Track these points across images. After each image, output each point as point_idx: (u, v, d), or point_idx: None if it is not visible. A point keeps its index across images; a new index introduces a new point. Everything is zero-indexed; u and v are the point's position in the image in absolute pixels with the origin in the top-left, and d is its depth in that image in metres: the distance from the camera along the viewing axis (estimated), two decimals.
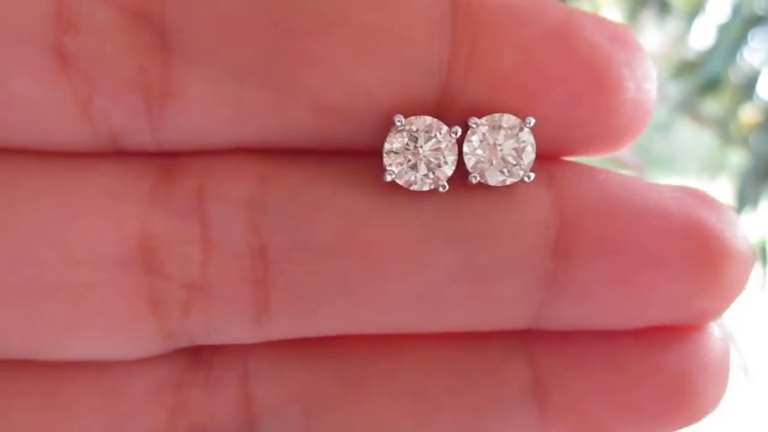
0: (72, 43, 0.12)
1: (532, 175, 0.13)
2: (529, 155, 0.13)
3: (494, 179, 0.13)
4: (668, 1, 1.31)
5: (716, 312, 0.14)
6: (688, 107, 1.39)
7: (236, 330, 0.13)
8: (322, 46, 0.12)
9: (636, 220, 0.13)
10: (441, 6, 0.13)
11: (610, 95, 0.13)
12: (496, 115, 0.13)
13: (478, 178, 0.13)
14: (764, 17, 1.15)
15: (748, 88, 1.28)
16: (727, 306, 0.14)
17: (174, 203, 0.13)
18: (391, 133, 0.13)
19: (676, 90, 1.45)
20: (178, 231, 0.13)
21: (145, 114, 0.12)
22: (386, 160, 0.13)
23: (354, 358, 0.14)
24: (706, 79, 1.21)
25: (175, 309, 0.13)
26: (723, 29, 1.20)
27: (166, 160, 0.13)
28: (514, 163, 0.13)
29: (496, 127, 0.13)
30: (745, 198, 1.24)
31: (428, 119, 0.13)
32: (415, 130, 0.13)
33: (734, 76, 1.28)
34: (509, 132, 0.13)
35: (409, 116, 0.13)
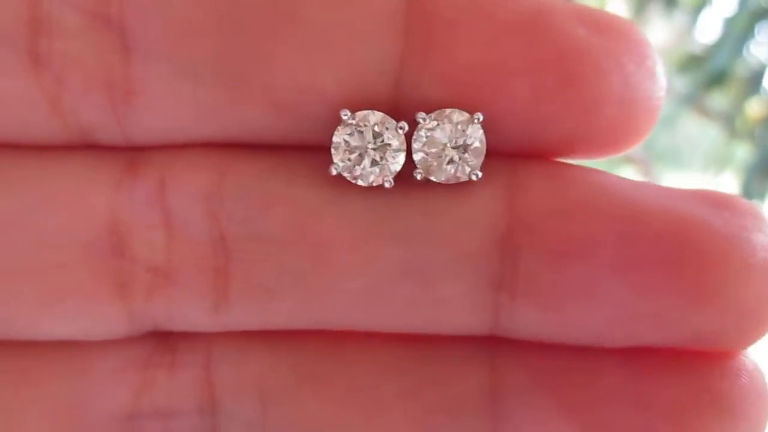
0: (44, 45, 0.12)
1: (479, 174, 0.13)
2: (477, 153, 0.13)
3: (440, 176, 0.13)
4: None
5: (733, 337, 0.12)
6: (694, 101, 1.38)
7: (196, 316, 0.14)
8: (274, 43, 0.12)
9: (601, 222, 0.12)
10: (394, 3, 0.12)
11: (584, 90, 0.12)
12: (445, 111, 0.13)
13: (424, 174, 0.13)
14: None
15: (754, 81, 1.27)
16: (747, 329, 0.12)
17: (138, 192, 0.13)
18: (338, 128, 0.13)
19: (682, 84, 1.45)
20: (143, 218, 0.13)
21: (110, 110, 0.13)
22: (333, 153, 0.13)
23: (312, 352, 0.14)
24: (712, 72, 1.21)
25: (139, 291, 0.13)
26: (729, 23, 1.20)
27: (132, 153, 0.13)
28: (461, 160, 0.13)
29: (443, 123, 0.13)
30: (751, 192, 1.24)
31: (376, 114, 0.13)
32: (361, 124, 0.13)
33: (740, 69, 1.27)
34: (457, 128, 0.13)
35: (359, 111, 0.13)
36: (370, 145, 0.13)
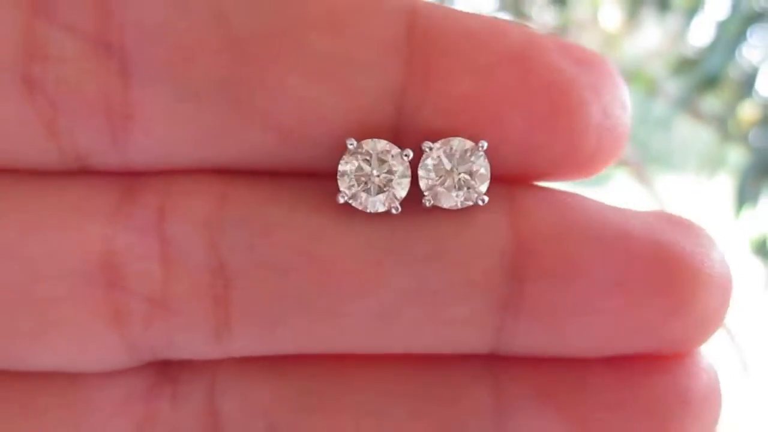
0: (39, 70, 0.12)
1: (486, 199, 0.13)
2: (483, 179, 0.13)
3: (448, 202, 0.13)
4: None
5: (693, 340, 0.14)
6: (687, 104, 1.39)
7: (197, 345, 0.14)
8: (277, 70, 0.12)
9: (596, 245, 0.13)
10: (396, 32, 0.13)
11: (571, 119, 0.13)
12: (450, 139, 0.13)
13: (432, 201, 0.14)
14: (763, 14, 1.14)
15: (747, 84, 1.28)
16: (705, 333, 0.14)
17: (135, 221, 0.13)
18: (344, 156, 0.13)
19: (675, 87, 1.45)
20: (139, 248, 0.13)
21: (108, 135, 0.13)
22: (339, 182, 0.13)
23: (319, 377, 0.14)
24: (705, 75, 1.21)
25: (136, 322, 0.13)
26: (722, 26, 1.20)
27: (130, 178, 0.13)
28: (468, 186, 0.13)
29: (449, 151, 0.13)
30: (745, 195, 1.24)
31: (381, 142, 0.13)
32: (367, 153, 0.13)
33: (733, 72, 1.28)
34: (462, 156, 0.13)
35: (363, 139, 0.13)
36: (376, 173, 0.13)
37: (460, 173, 0.13)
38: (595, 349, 0.14)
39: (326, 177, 0.13)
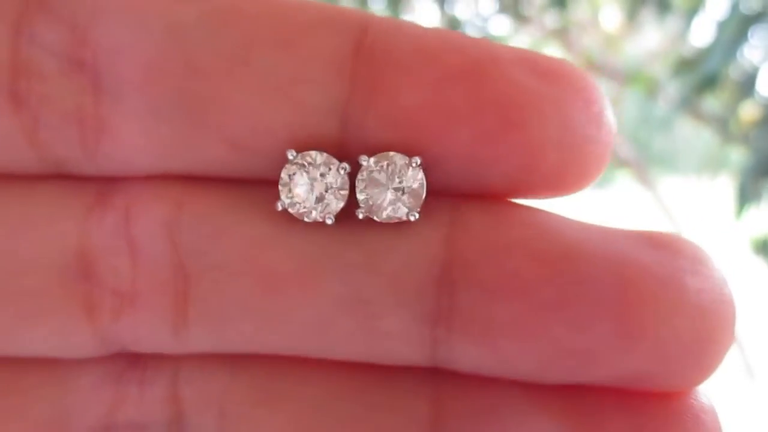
0: (24, 86, 0.13)
1: (417, 215, 0.14)
2: (416, 195, 0.14)
3: (380, 215, 0.14)
4: None
5: (665, 377, 0.13)
6: (688, 105, 1.39)
7: (158, 339, 0.15)
8: (227, 86, 0.13)
9: (538, 261, 0.13)
10: (343, 49, 0.13)
11: (524, 134, 0.12)
12: (386, 154, 0.13)
13: (365, 213, 0.14)
14: (763, 14, 1.14)
15: (747, 85, 1.27)
16: (683, 370, 0.12)
17: (106, 222, 0.14)
18: (285, 166, 0.14)
19: (675, 88, 1.45)
20: (109, 245, 0.14)
21: (81, 146, 0.14)
22: (280, 190, 0.14)
23: (269, 373, 0.15)
24: (705, 76, 1.21)
25: (106, 314, 0.14)
26: (722, 26, 1.20)
27: (102, 183, 0.14)
28: (400, 201, 0.14)
29: (383, 166, 0.14)
30: (746, 195, 1.24)
31: (320, 155, 0.14)
32: (306, 164, 0.14)
33: (734, 73, 1.27)
34: (396, 171, 0.14)
35: (305, 151, 0.14)
36: (316, 184, 0.14)
37: (393, 188, 0.14)
38: (535, 373, 0.13)
39: (273, 185, 0.14)
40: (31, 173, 0.14)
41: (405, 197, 0.14)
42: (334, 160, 0.14)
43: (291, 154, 0.14)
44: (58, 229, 0.14)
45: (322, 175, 0.14)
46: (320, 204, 0.14)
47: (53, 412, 0.15)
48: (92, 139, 0.14)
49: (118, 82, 0.13)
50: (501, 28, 1.62)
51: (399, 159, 0.13)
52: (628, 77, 1.61)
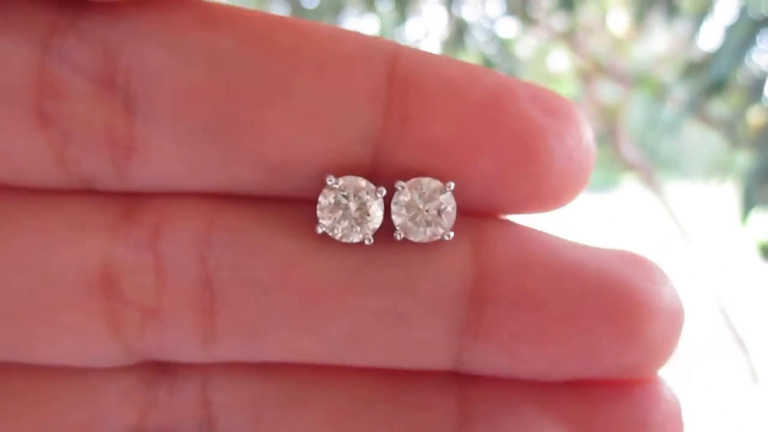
0: (52, 105, 0.14)
1: (451, 234, 0.15)
2: (449, 216, 0.15)
3: (416, 236, 0.15)
4: (676, 3, 1.31)
5: (646, 366, 0.15)
6: (695, 109, 1.39)
7: (185, 351, 0.15)
8: (266, 113, 0.14)
9: (552, 277, 0.15)
10: (376, 79, 0.14)
11: (537, 164, 0.14)
12: (420, 179, 0.14)
13: (403, 235, 0.15)
14: None
15: (755, 89, 1.27)
16: (656, 360, 0.15)
17: (132, 238, 0.15)
18: (324, 191, 0.14)
19: (683, 91, 1.45)
20: (135, 262, 0.15)
21: (111, 164, 0.14)
22: (319, 214, 0.14)
23: (299, 379, 0.16)
24: (713, 80, 1.21)
25: (131, 328, 0.15)
26: (730, 31, 1.20)
27: (129, 199, 0.15)
28: (435, 223, 0.15)
29: (419, 191, 0.14)
30: (753, 199, 1.24)
31: (357, 180, 0.14)
32: (344, 189, 0.14)
33: (742, 77, 1.27)
34: (431, 195, 0.14)
35: (342, 176, 0.14)
36: (353, 207, 0.14)
37: (428, 210, 0.15)
38: (549, 372, 0.15)
39: (307, 203, 0.15)
40: (56, 187, 0.15)
41: (440, 219, 0.15)
42: (371, 185, 0.14)
43: (330, 180, 0.14)
44: (83, 244, 0.14)
45: (359, 198, 0.14)
46: (358, 226, 0.15)
47: (86, 418, 0.16)
48: (123, 157, 0.14)
49: (153, 104, 0.14)
50: (508, 30, 1.62)
51: (434, 184, 0.14)
52: (636, 81, 1.61)
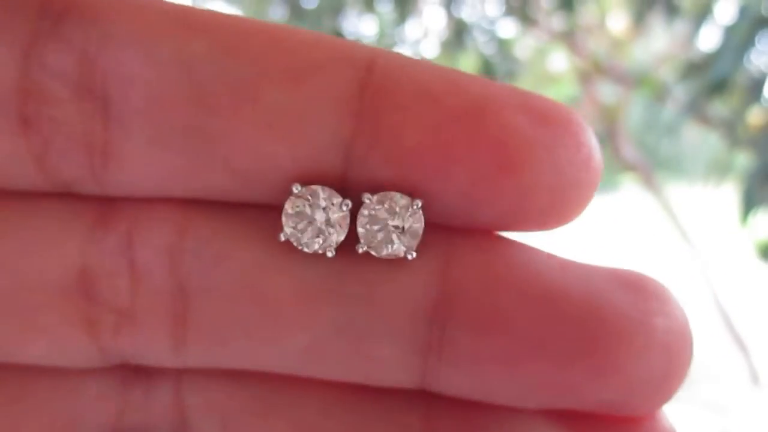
0: (34, 110, 0.14)
1: (414, 254, 0.14)
2: (414, 234, 0.14)
3: (379, 252, 0.14)
4: (676, 3, 1.31)
5: (636, 403, 0.14)
6: (695, 109, 1.38)
7: (158, 354, 0.15)
8: (236, 120, 0.14)
9: (522, 300, 0.13)
10: (349, 87, 0.14)
11: (517, 177, 0.13)
12: (387, 193, 0.14)
13: (365, 248, 0.14)
14: None
15: (755, 90, 1.27)
16: (650, 396, 0.14)
17: (107, 244, 0.15)
18: (289, 198, 0.14)
19: (683, 92, 1.45)
20: (109, 266, 0.15)
21: (89, 169, 0.14)
22: (283, 221, 0.14)
23: (267, 386, 0.16)
24: (713, 80, 1.21)
25: (106, 330, 0.15)
26: (730, 31, 1.20)
27: (104, 204, 0.15)
28: (399, 241, 0.14)
29: (385, 205, 0.14)
30: (752, 199, 1.24)
31: (323, 190, 0.14)
32: (310, 198, 0.14)
33: (741, 78, 1.27)
34: (397, 211, 0.14)
35: (309, 185, 0.14)
36: (318, 217, 0.14)
37: (393, 226, 0.14)
38: (522, 399, 0.14)
39: (275, 211, 0.14)
40: (36, 191, 0.15)
41: (404, 237, 0.14)
42: (337, 196, 0.14)
43: (296, 188, 0.14)
44: (60, 247, 0.15)
45: (324, 209, 0.14)
46: (321, 236, 0.14)
47: (63, 417, 0.16)
48: (100, 162, 0.14)
49: (126, 109, 0.14)
50: (508, 30, 1.62)
51: (401, 199, 0.14)
52: (635, 81, 1.61)
